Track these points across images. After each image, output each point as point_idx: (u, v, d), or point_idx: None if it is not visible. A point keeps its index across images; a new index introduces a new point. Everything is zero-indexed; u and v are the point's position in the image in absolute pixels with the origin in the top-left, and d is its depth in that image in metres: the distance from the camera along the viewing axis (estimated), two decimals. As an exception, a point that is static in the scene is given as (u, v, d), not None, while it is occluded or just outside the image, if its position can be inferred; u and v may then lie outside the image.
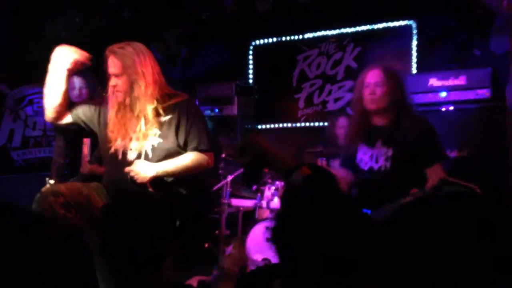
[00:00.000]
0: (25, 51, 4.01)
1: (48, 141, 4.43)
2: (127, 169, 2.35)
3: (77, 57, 2.40)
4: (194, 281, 3.44)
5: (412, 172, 2.45)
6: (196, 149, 2.46)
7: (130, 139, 2.41)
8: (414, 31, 4.47)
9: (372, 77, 2.60)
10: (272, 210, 3.93)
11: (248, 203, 4.13)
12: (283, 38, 5.22)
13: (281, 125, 5.21)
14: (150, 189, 2.36)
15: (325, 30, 4.96)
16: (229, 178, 4.01)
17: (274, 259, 3.89)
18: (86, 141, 3.31)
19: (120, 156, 2.43)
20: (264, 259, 3.83)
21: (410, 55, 4.48)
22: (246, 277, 1.66)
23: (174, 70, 5.40)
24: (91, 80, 3.43)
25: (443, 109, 3.76)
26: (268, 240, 3.79)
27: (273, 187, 4.00)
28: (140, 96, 2.34)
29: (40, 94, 4.44)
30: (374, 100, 2.57)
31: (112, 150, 2.44)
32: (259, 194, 4.04)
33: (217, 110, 5.06)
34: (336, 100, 4.91)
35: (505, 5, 3.57)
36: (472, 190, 2.30)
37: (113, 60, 2.35)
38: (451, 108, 3.73)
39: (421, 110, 3.78)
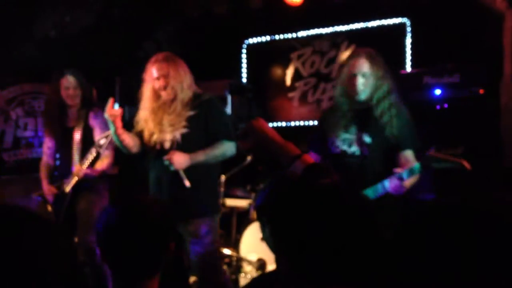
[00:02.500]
0: (14, 50, 3.96)
1: (40, 142, 4.37)
2: (165, 157, 2.73)
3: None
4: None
5: (386, 156, 2.54)
6: (221, 139, 2.84)
7: (165, 131, 2.80)
8: (408, 29, 4.46)
9: (357, 67, 2.58)
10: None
11: (242, 202, 4.11)
12: (277, 37, 5.19)
13: (275, 124, 5.18)
14: (183, 176, 2.73)
15: (319, 28, 4.94)
16: (223, 177, 3.98)
17: (269, 258, 3.88)
18: (77, 141, 3.28)
19: (158, 146, 2.82)
20: (259, 259, 3.81)
21: (404, 52, 4.47)
22: None
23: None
24: (83, 80, 3.39)
25: (438, 106, 3.75)
26: (262, 239, 3.77)
27: (268, 187, 3.97)
28: (183, 97, 2.80)
29: (30, 94, 4.40)
30: (361, 91, 2.56)
31: (152, 143, 2.84)
32: (253, 194, 4.02)
33: (210, 109, 5.03)
34: (331, 98, 4.89)
35: (498, 1, 3.57)
36: (460, 165, 2.32)
37: (162, 65, 2.79)
38: (446, 105, 3.71)
39: (416, 108, 3.78)
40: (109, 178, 3.47)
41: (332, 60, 4.90)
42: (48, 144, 3.46)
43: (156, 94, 2.84)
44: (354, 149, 2.59)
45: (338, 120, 2.65)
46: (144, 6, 4.51)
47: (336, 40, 4.86)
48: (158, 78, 2.79)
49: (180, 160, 2.72)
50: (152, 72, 2.81)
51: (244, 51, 5.35)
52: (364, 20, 4.67)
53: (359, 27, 4.73)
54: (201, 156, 2.79)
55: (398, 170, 2.38)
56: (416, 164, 2.39)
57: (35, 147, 4.34)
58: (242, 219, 4.06)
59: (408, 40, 4.45)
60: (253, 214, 3.99)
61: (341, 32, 4.84)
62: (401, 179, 2.36)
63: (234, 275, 3.83)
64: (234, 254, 3.85)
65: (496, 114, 3.53)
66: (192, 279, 3.35)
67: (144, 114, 2.88)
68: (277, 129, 5.05)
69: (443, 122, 3.61)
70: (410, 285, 0.73)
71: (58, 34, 2.51)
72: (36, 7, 4.18)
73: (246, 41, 5.33)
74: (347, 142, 2.61)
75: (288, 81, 5.14)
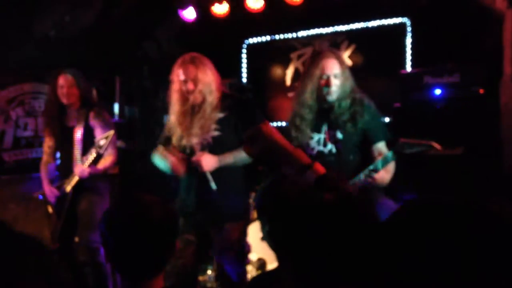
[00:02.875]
0: (14, 50, 3.96)
1: (40, 142, 4.37)
2: (193, 158, 2.68)
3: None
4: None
5: (359, 150, 2.65)
6: None
7: (195, 135, 2.74)
8: (408, 29, 4.46)
9: (329, 68, 2.63)
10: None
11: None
12: (277, 37, 5.19)
13: (275, 124, 5.18)
14: (211, 178, 2.67)
15: (319, 27, 4.94)
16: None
17: (269, 258, 3.87)
18: (78, 141, 3.28)
19: (188, 151, 2.76)
20: (259, 259, 3.81)
21: (405, 52, 4.47)
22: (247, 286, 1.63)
23: (167, 70, 5.37)
24: (82, 79, 3.39)
25: (438, 106, 3.75)
26: (262, 239, 3.78)
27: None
28: (211, 99, 2.72)
29: (30, 94, 4.40)
30: (332, 92, 2.62)
31: (181, 147, 2.78)
32: (253, 194, 4.02)
33: (210, 109, 5.03)
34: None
35: (498, 1, 3.57)
36: (431, 147, 2.38)
37: (190, 68, 2.70)
38: (446, 105, 3.72)
39: (416, 108, 3.78)
40: (110, 178, 3.48)
41: (332, 60, 4.89)
42: (48, 144, 3.46)
43: (184, 97, 2.74)
44: (330, 147, 2.66)
45: (307, 123, 2.70)
46: (144, 6, 4.51)
47: (336, 40, 4.86)
48: (185, 81, 2.71)
49: (208, 161, 2.66)
50: (179, 75, 2.73)
51: (244, 51, 5.35)
52: (364, 20, 4.67)
53: (359, 27, 4.73)
54: (229, 158, 2.72)
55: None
56: (388, 153, 2.48)
57: (35, 147, 4.34)
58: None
59: (408, 40, 4.45)
60: (253, 214, 3.99)
61: (341, 32, 4.84)
62: (375, 170, 2.46)
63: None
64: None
65: (496, 114, 3.53)
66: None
67: (173, 119, 2.80)
68: (278, 129, 5.07)
69: (443, 122, 3.61)
70: (409, 285, 0.73)
71: (58, 34, 2.51)
72: (36, 7, 4.18)
73: (246, 41, 5.33)
74: (321, 142, 2.68)
75: (288, 81, 5.14)
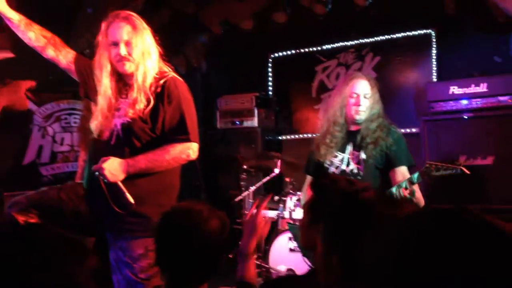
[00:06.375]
0: (51, 68, 4.13)
1: (76, 156, 4.54)
2: (94, 167, 2.15)
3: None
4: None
5: (381, 173, 2.66)
6: (176, 138, 2.25)
7: (114, 116, 2.27)
8: (434, 40, 4.47)
9: (360, 88, 2.70)
10: (295, 221, 3.95)
11: (271, 213, 4.16)
12: (302, 50, 5.26)
13: (301, 135, 5.23)
14: (126, 194, 2.16)
15: (344, 40, 4.99)
16: (251, 189, 4.05)
17: (298, 269, 3.90)
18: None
19: (99, 139, 2.30)
20: (288, 270, 3.84)
21: (430, 63, 4.47)
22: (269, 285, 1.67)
23: (195, 84, 5.49)
24: None
25: (465, 117, 3.74)
26: (291, 250, 3.83)
27: (295, 198, 4.02)
28: (148, 69, 2.23)
29: (66, 111, 4.58)
30: (361, 111, 2.68)
31: (98, 130, 2.30)
32: (281, 205, 4.07)
33: (237, 123, 5.12)
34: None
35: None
36: (460, 171, 2.40)
37: (123, 26, 2.20)
38: (473, 115, 3.71)
39: (443, 118, 3.79)
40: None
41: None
42: (83, 157, 3.60)
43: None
44: (352, 167, 2.70)
45: (334, 143, 2.75)
46: (173, 23, 4.64)
47: (361, 52, 4.90)
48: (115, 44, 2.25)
49: (115, 170, 2.16)
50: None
51: (270, 65, 5.44)
52: (389, 32, 4.70)
53: (384, 38, 4.76)
54: (143, 162, 2.21)
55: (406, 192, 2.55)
56: (414, 174, 2.52)
57: (71, 161, 4.51)
58: (270, 230, 4.10)
59: (434, 51, 4.46)
60: (282, 225, 4.03)
61: (365, 44, 4.88)
62: (399, 186, 2.53)
63: (263, 286, 3.87)
64: (263, 265, 3.90)
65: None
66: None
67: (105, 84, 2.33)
68: (304, 140, 5.12)
69: (471, 133, 3.61)
70: None
71: (92, 53, 2.61)
72: (71, 27, 4.36)
73: (272, 55, 5.42)
74: (345, 162, 2.73)
75: (313, 93, 5.20)
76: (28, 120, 4.37)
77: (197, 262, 1.40)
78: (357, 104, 2.68)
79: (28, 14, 2.39)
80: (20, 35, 2.38)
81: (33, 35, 2.35)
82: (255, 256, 1.75)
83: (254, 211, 1.75)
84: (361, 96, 2.68)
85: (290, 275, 1.63)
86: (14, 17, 2.32)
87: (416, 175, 2.51)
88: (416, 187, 2.57)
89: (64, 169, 4.49)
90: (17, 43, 3.04)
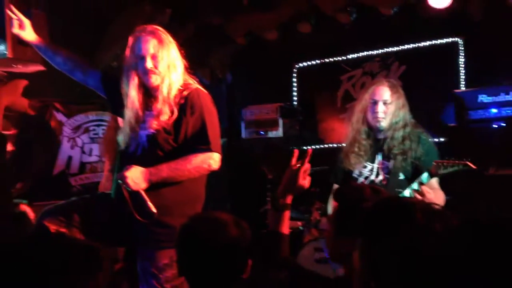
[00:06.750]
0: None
1: (103, 167, 4.64)
2: (118, 175, 2.23)
3: None
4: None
5: (407, 182, 2.58)
6: (197, 148, 2.29)
7: (140, 129, 2.32)
8: (461, 48, 4.40)
9: (379, 94, 2.65)
10: (321, 231, 3.92)
11: (297, 224, 4.14)
12: (326, 60, 5.25)
13: (326, 145, 5.21)
14: (148, 203, 2.19)
15: (369, 50, 4.96)
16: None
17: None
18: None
19: (126, 150, 2.35)
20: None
21: (458, 71, 4.40)
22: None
23: (220, 95, 5.54)
24: None
25: (494, 125, 3.67)
26: (317, 261, 3.79)
27: (320, 208, 4.00)
28: (173, 82, 2.28)
29: (95, 122, 4.69)
30: (381, 118, 2.63)
31: (124, 142, 2.35)
32: (307, 215, 4.05)
33: (262, 133, 5.13)
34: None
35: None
36: (468, 167, 2.34)
37: (149, 40, 2.26)
38: (503, 124, 3.64)
39: (472, 127, 3.72)
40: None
41: (383, 81, 4.89)
42: (107, 167, 3.67)
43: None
44: (381, 177, 2.66)
45: (363, 151, 2.70)
46: (198, 35, 4.71)
47: (387, 61, 4.86)
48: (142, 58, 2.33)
49: (137, 179, 2.19)
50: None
51: (294, 75, 5.44)
52: (415, 40, 4.65)
53: (410, 47, 4.71)
54: (164, 172, 2.25)
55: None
56: (423, 175, 2.46)
57: (99, 172, 4.60)
58: (296, 241, 4.08)
59: (461, 59, 4.39)
60: (307, 236, 4.01)
61: (391, 53, 4.84)
62: (411, 188, 2.48)
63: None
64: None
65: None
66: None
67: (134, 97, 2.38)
68: (329, 150, 5.09)
69: (500, 141, 3.53)
70: None
71: (120, 66, 2.68)
72: (99, 40, 4.48)
73: (297, 65, 5.43)
74: (374, 172, 2.69)
75: (338, 103, 5.17)
76: (58, 132, 4.49)
77: (217, 269, 1.41)
78: (376, 110, 2.63)
79: (58, 28, 2.49)
80: (48, 60, 2.51)
81: (60, 59, 2.48)
82: (288, 210, 1.75)
83: (295, 164, 1.75)
84: (381, 103, 2.63)
85: (322, 276, 1.61)
86: (41, 44, 2.46)
87: (425, 175, 2.46)
88: (429, 187, 2.51)
89: (92, 179, 4.59)
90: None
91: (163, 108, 2.28)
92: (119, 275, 3.53)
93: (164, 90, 2.27)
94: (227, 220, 1.47)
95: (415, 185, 2.48)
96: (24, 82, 2.16)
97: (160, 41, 2.28)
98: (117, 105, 2.47)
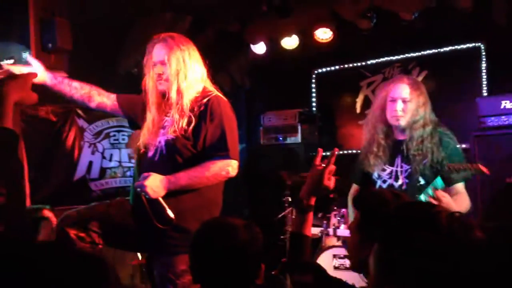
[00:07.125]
0: (102, 87, 4.30)
1: (123, 172, 4.69)
2: (136, 184, 2.24)
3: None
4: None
5: (427, 185, 2.44)
6: (216, 155, 2.29)
7: (159, 134, 2.36)
8: (483, 53, 4.33)
9: (397, 92, 2.54)
10: (339, 238, 3.88)
11: (315, 230, 4.11)
12: (346, 65, 5.22)
13: (346, 151, 5.17)
14: (167, 210, 2.21)
15: (389, 55, 4.92)
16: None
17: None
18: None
19: (144, 155, 2.39)
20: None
21: (480, 77, 4.33)
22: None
23: (239, 101, 5.56)
24: None
25: (518, 132, 3.60)
26: (336, 268, 3.75)
27: (339, 214, 3.96)
28: (183, 88, 2.31)
29: (115, 128, 4.75)
30: (400, 117, 2.52)
31: (144, 146, 2.40)
32: (325, 222, 4.02)
33: (281, 139, 5.12)
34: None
35: None
36: (480, 171, 2.23)
37: (160, 47, 2.33)
38: (527, 130, 3.56)
39: (494, 134, 3.65)
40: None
41: (403, 86, 4.84)
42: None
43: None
44: (400, 182, 2.55)
45: (381, 151, 2.60)
46: (217, 42, 4.74)
47: (407, 67, 4.82)
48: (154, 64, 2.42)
49: (156, 187, 2.21)
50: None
51: (313, 80, 5.43)
52: (436, 46, 4.59)
53: (431, 52, 4.66)
54: (183, 179, 2.27)
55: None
56: (437, 179, 2.34)
57: (119, 177, 4.65)
58: (314, 247, 4.06)
59: (484, 65, 4.32)
60: (326, 242, 3.98)
61: (411, 58, 4.79)
62: (427, 194, 2.37)
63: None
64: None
65: None
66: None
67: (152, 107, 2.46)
68: (349, 156, 5.06)
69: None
70: None
71: (140, 72, 2.71)
72: (120, 47, 4.54)
73: (316, 71, 5.41)
74: (393, 175, 2.58)
75: (358, 109, 5.14)
76: (79, 137, 4.56)
77: (228, 274, 1.40)
78: (395, 109, 2.52)
79: (81, 36, 2.51)
80: (64, 92, 2.51)
81: (75, 90, 2.51)
82: (312, 212, 1.72)
83: (319, 163, 1.73)
84: (399, 101, 2.51)
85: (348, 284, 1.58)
86: (54, 81, 2.47)
87: (439, 180, 2.34)
88: (455, 192, 2.43)
89: (112, 185, 4.64)
90: (70, 64, 3.20)
91: (175, 114, 2.32)
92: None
93: (173, 95, 2.32)
94: (237, 224, 1.46)
95: (429, 190, 2.37)
96: (33, 75, 2.18)
97: (170, 48, 2.33)
98: (138, 121, 2.53)
